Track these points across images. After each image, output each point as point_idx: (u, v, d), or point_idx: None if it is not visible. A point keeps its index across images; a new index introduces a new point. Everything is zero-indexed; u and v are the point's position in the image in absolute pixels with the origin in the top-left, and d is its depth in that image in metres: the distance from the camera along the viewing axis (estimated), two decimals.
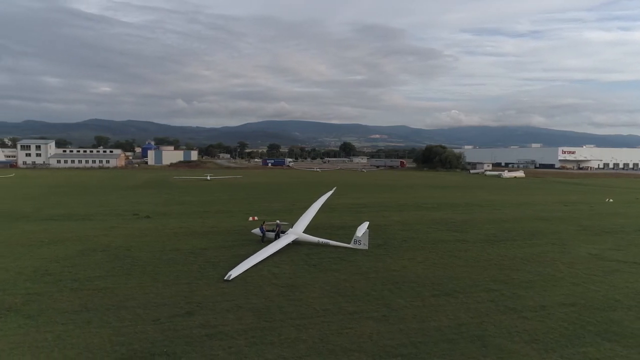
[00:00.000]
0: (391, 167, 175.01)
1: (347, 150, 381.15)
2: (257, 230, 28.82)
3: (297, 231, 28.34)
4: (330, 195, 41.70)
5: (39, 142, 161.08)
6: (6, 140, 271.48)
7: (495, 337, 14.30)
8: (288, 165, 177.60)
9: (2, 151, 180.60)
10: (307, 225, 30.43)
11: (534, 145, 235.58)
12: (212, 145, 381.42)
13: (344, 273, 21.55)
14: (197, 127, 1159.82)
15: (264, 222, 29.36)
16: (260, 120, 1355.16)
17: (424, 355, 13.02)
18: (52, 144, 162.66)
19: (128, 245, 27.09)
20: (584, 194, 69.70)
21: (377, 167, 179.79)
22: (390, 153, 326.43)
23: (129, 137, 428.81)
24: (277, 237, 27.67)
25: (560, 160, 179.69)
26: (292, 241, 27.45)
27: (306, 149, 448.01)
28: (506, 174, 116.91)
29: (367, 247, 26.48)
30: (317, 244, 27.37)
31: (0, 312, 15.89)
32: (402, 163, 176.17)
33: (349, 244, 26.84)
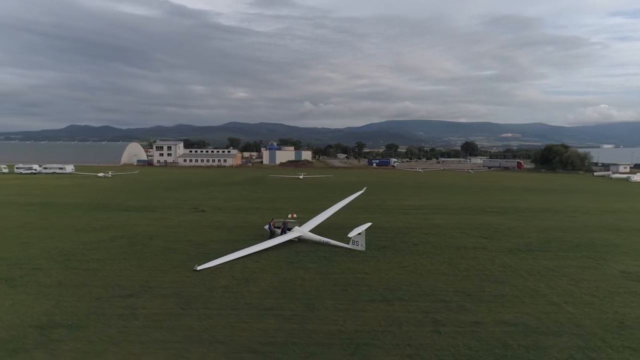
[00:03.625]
0: (506, 168, 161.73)
1: (468, 149, 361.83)
2: (267, 227, 30.06)
3: (302, 229, 28.88)
4: (358, 195, 41.11)
5: (169, 143, 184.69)
6: (158, 142, 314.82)
7: (377, 347, 13.51)
8: (393, 166, 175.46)
9: (147, 151, 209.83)
10: (317, 224, 30.74)
11: None
12: (330, 146, 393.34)
13: (309, 272, 21.66)
14: (323, 128, 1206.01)
15: (272, 219, 30.46)
16: (383, 120, 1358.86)
17: (279, 354, 12.97)
18: (181, 144, 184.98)
19: (154, 234, 30.42)
20: None
21: (489, 167, 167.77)
22: (522, 153, 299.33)
23: (261, 139, 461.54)
24: (283, 233, 28.61)
25: None
26: (298, 239, 28.16)
27: (425, 148, 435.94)
28: (636, 177, 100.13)
29: (364, 249, 25.99)
30: (319, 243, 27.60)
31: None
32: (519, 164, 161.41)
33: (348, 244, 26.59)
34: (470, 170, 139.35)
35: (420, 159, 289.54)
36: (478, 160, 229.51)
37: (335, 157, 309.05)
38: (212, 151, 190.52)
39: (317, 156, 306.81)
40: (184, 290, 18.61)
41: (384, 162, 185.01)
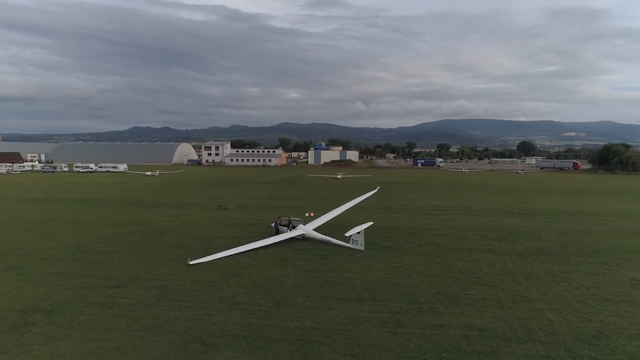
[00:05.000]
0: (561, 168, 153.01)
1: (525, 149, 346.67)
2: (274, 224, 30.51)
3: (306, 228, 29.05)
4: (371, 195, 40.50)
5: (217, 143, 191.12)
6: (207, 142, 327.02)
7: (325, 345, 13.47)
8: (438, 166, 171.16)
9: (198, 152, 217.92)
10: (323, 222, 30.82)
11: None
12: (379, 146, 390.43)
13: (297, 269, 21.80)
14: (374, 128, 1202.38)
15: (279, 217, 30.86)
16: (437, 119, 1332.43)
17: (224, 347, 13.27)
18: (228, 145, 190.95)
19: (168, 230, 31.75)
20: None
21: (541, 168, 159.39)
22: (584, 154, 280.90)
23: (312, 139, 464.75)
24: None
25: None
26: (302, 237, 28.38)
27: (478, 148, 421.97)
28: None
29: (363, 248, 25.79)
30: (321, 241, 27.66)
31: (9, 268, 21.41)
32: (575, 164, 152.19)
33: (348, 243, 26.47)
34: (519, 171, 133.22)
35: (471, 159, 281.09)
36: (533, 161, 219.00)
37: (384, 157, 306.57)
38: (258, 151, 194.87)
39: (364, 156, 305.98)
40: (169, 283, 19.35)
41: (430, 162, 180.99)
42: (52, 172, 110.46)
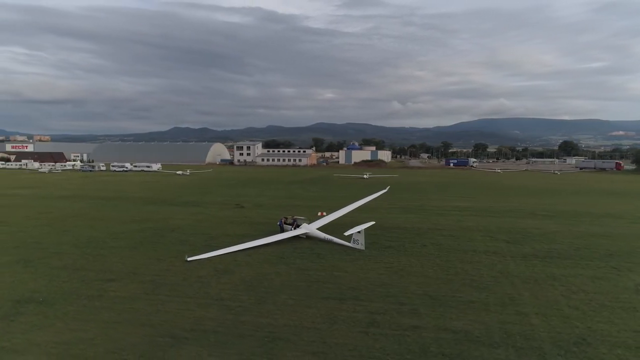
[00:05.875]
0: (602, 169, 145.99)
1: (567, 149, 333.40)
2: (279, 223, 30.78)
3: (309, 227, 29.13)
4: (380, 194, 39.94)
5: (249, 143, 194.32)
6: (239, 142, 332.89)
7: (290, 342, 13.53)
8: (471, 166, 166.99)
9: (231, 152, 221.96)
10: (328, 222, 30.82)
11: None
12: (413, 145, 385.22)
13: (291, 267, 21.93)
14: (411, 127, 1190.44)
15: (285, 218, 31.07)
16: (475, 118, 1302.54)
17: (192, 340, 13.55)
18: (259, 144, 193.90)
19: (179, 227, 32.62)
20: None
21: (581, 169, 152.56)
22: (633, 154, 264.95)
23: (347, 139, 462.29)
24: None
25: None
26: (305, 236, 28.51)
27: (518, 148, 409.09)
28: None
29: (363, 248, 25.63)
30: (324, 240, 27.68)
31: (19, 261, 22.61)
32: (618, 165, 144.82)
33: (349, 242, 26.38)
34: (556, 172, 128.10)
35: (508, 159, 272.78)
36: (573, 161, 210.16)
37: (417, 157, 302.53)
38: (288, 151, 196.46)
39: (397, 156, 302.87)
40: (161, 278, 19.89)
41: (462, 162, 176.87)
42: (90, 171, 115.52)
